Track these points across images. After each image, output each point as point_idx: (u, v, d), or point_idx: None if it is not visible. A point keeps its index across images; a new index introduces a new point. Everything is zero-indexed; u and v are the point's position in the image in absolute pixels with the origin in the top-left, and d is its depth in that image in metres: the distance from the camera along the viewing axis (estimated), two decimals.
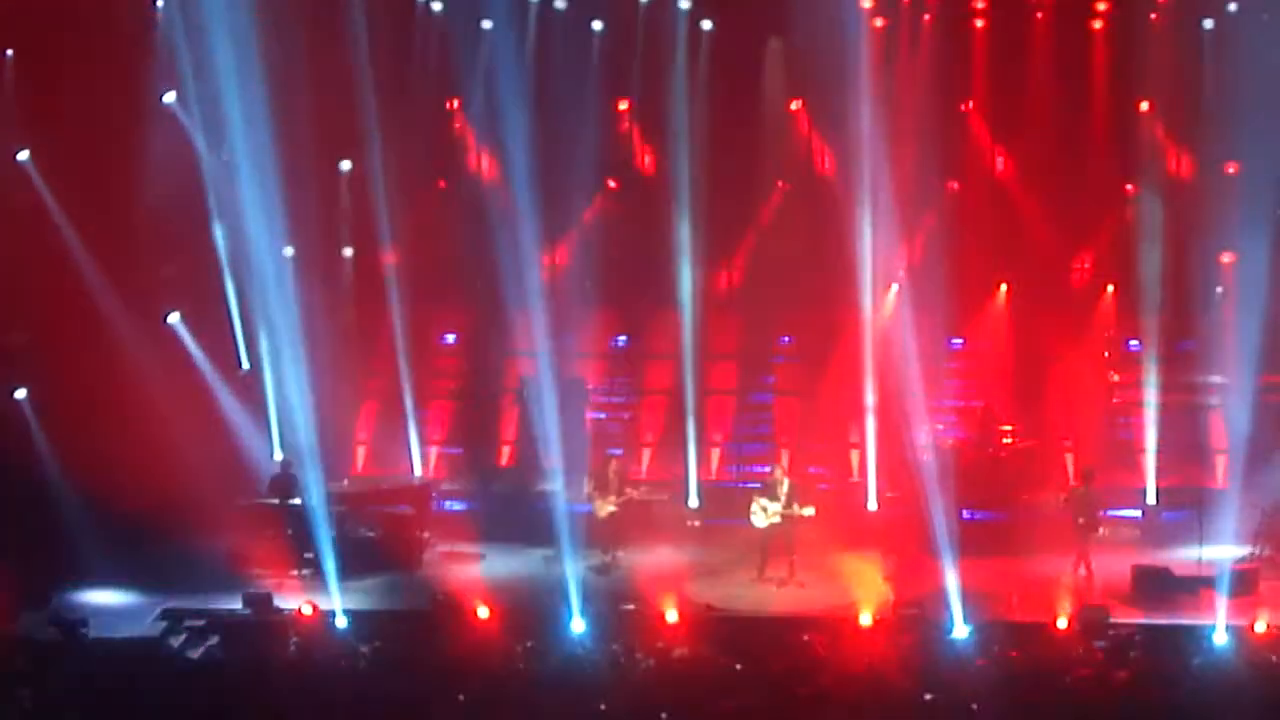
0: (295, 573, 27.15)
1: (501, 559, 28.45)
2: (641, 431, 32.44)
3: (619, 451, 29.78)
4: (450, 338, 33.97)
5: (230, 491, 28.43)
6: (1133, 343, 32.61)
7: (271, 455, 30.27)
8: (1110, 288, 33.46)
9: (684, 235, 32.30)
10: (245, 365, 31.81)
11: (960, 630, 23.91)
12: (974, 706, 20.40)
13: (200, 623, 24.85)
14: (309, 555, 27.23)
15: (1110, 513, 29.69)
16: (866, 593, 25.00)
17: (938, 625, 24.01)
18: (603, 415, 32.43)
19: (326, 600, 25.33)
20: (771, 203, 34.53)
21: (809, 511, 27.03)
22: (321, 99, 30.74)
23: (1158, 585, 25.95)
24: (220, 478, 28.41)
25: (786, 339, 34.26)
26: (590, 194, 34.01)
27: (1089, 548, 26.92)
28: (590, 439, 31.54)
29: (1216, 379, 31.58)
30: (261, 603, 25.16)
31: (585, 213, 34.04)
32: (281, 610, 24.91)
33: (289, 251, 31.29)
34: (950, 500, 27.13)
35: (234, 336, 31.85)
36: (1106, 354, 33.11)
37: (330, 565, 26.46)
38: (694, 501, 30.92)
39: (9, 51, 30.92)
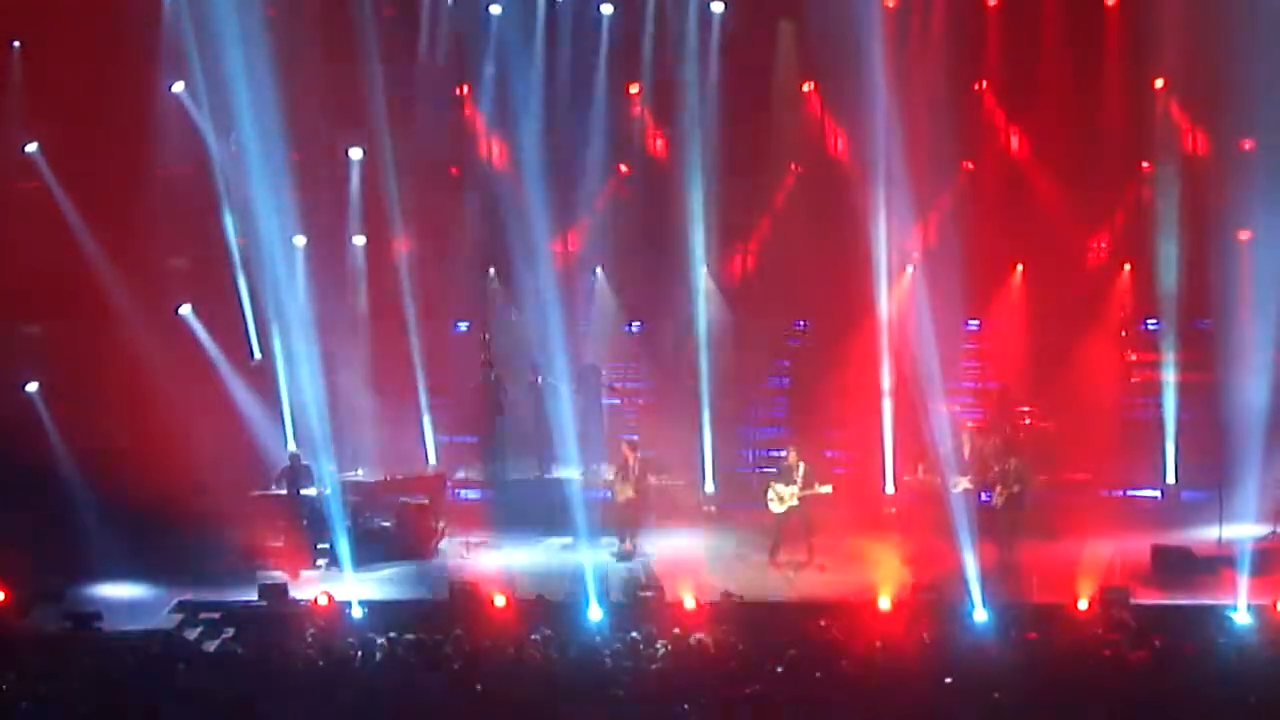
0: (313, 563, 27.11)
1: (518, 547, 28.33)
2: (656, 417, 32.28)
3: (635, 437, 29.65)
4: (463, 325, 33.84)
5: (244, 483, 28.37)
6: (1150, 322, 32.45)
7: (285, 446, 30.18)
8: (1127, 267, 33.31)
9: (697, 219, 32.17)
10: (257, 356, 31.74)
11: (980, 613, 23.80)
12: (995, 695, 20.27)
13: (216, 615, 24.85)
14: (324, 546, 27.18)
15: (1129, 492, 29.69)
16: (885, 576, 24.85)
17: (957, 608, 23.90)
18: (617, 401, 32.30)
19: (342, 590, 25.20)
20: (785, 186, 34.38)
21: (827, 489, 26.92)
22: (331, 87, 30.68)
23: (1178, 565, 25.87)
24: (233, 469, 28.38)
25: (801, 323, 34.11)
26: (602, 179, 33.90)
27: (1013, 536, 26.60)
28: (606, 425, 31.42)
29: (1235, 356, 31.36)
30: (277, 594, 25.13)
31: (597, 198, 33.92)
32: (297, 601, 24.88)
33: (300, 241, 31.21)
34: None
35: (245, 327, 31.77)
36: (1123, 333, 32.96)
37: (345, 555, 26.37)
38: (710, 487, 30.80)
39: (16, 43, 30.89)
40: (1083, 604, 23.78)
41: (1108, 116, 32.46)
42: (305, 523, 27.63)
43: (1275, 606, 23.51)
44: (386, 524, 28.25)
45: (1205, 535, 26.94)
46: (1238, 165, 31.38)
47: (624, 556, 27.50)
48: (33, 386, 29.80)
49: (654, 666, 21.19)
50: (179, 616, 24.87)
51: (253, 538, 27.48)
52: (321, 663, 21.93)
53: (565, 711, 20.31)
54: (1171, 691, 20.35)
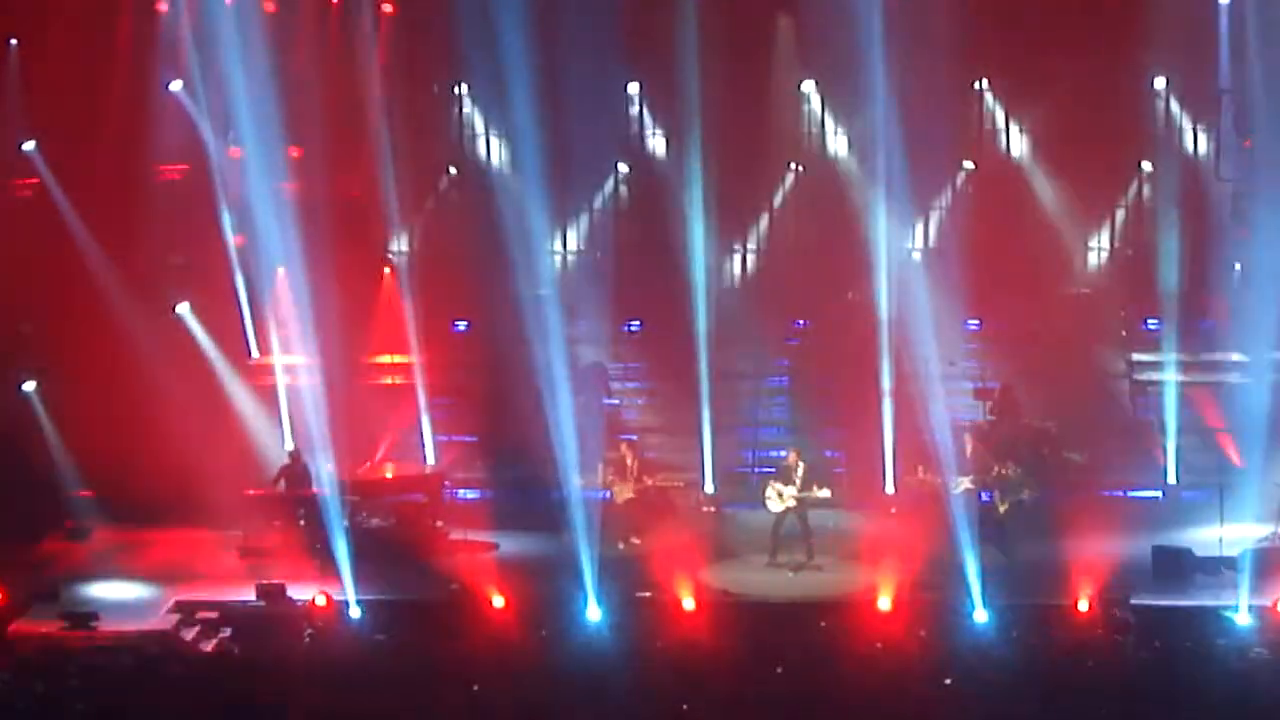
0: (311, 562, 26.97)
1: (516, 548, 28.24)
2: (656, 417, 32.22)
3: (634, 437, 29.55)
4: (462, 324, 33.78)
5: (241, 482, 28.28)
6: (1150, 322, 32.37)
7: (282, 445, 30.11)
8: (1127, 266, 33.22)
9: (696, 218, 32.09)
10: (255, 355, 31.66)
11: (980, 614, 23.72)
12: (993, 690, 20.24)
13: (213, 614, 24.66)
14: (319, 547, 27.04)
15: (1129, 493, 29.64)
16: (884, 577, 24.76)
17: (957, 609, 23.82)
18: (617, 401, 32.19)
19: (340, 591, 25.12)
20: (784, 184, 34.30)
21: (825, 494, 26.84)
22: (329, 85, 30.64)
23: (1179, 566, 25.73)
24: (231, 468, 28.29)
25: (801, 322, 34.03)
26: (601, 177, 33.80)
27: (1015, 539, 26.58)
28: (606, 425, 31.31)
29: (1236, 357, 31.33)
30: (275, 594, 24.99)
31: (596, 196, 33.83)
32: (295, 601, 24.76)
33: (297, 239, 31.17)
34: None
35: (243, 326, 31.69)
36: (1124, 333, 32.90)
37: (343, 555, 26.26)
38: (709, 487, 30.72)
39: (13, 41, 30.83)
40: (1083, 604, 23.68)
41: (1108, 115, 32.40)
42: (303, 522, 27.51)
43: (1275, 607, 23.43)
44: (385, 523, 28.14)
45: (1206, 536, 26.80)
46: (1239, 164, 31.35)
47: (623, 557, 27.39)
48: (29, 385, 29.71)
49: (652, 667, 21.15)
50: (176, 616, 24.69)
51: (250, 537, 27.41)
52: (318, 663, 21.91)
53: (563, 712, 20.29)
54: (1172, 692, 20.34)
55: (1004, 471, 26.84)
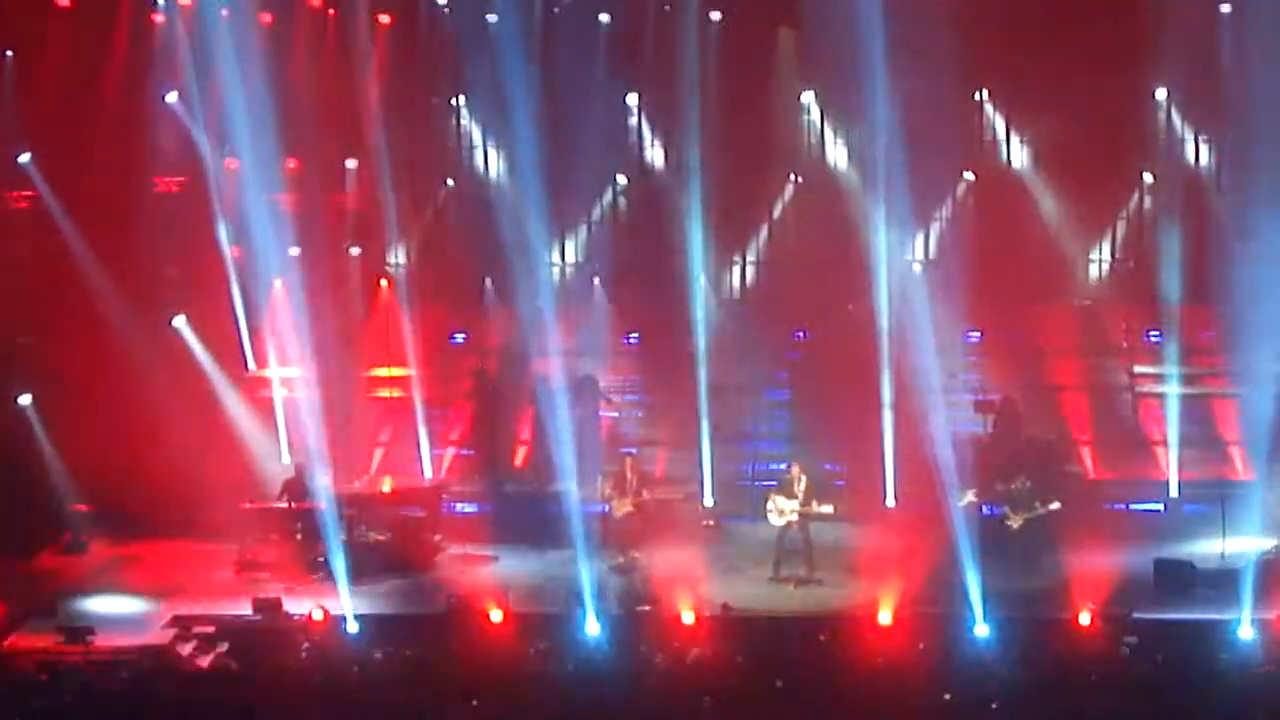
0: (312, 576, 26.90)
1: (515, 561, 28.15)
2: (655, 430, 32.14)
3: (634, 450, 29.48)
4: (459, 337, 33.72)
5: (238, 495, 28.20)
6: (1152, 333, 32.29)
7: (280, 459, 30.03)
8: (1129, 277, 33.16)
9: (695, 230, 32.03)
10: (252, 367, 31.60)
11: (981, 628, 23.61)
12: (994, 705, 20.14)
13: (209, 629, 24.57)
14: (321, 559, 26.99)
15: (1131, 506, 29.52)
16: (885, 591, 24.65)
17: (958, 623, 23.71)
18: (616, 414, 32.12)
19: (338, 605, 25.01)
20: (784, 195, 34.24)
21: (827, 509, 26.74)
22: (327, 96, 30.61)
23: (1181, 579, 25.64)
24: (228, 481, 28.21)
25: (801, 334, 33.96)
26: (600, 189, 33.75)
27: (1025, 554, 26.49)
28: (604, 438, 31.25)
29: (1238, 369, 31.23)
30: (272, 608, 24.91)
31: (595, 208, 33.79)
32: (292, 615, 24.67)
33: (294, 251, 31.11)
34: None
35: (240, 338, 31.63)
36: (1125, 345, 32.81)
37: (341, 569, 26.18)
38: (709, 500, 30.62)
39: (9, 53, 30.82)
40: (1084, 618, 23.57)
41: (1109, 125, 32.35)
42: (300, 536, 27.42)
43: (1278, 621, 23.33)
44: (382, 537, 28.05)
45: (1208, 549, 26.73)
46: (1241, 174, 31.29)
47: (622, 570, 27.31)
48: (26, 398, 29.64)
49: (652, 682, 21.05)
50: (173, 631, 24.62)
51: (247, 551, 27.33)
52: (316, 678, 21.80)
53: None
54: (1174, 707, 20.23)
55: (1013, 487, 26.72)
